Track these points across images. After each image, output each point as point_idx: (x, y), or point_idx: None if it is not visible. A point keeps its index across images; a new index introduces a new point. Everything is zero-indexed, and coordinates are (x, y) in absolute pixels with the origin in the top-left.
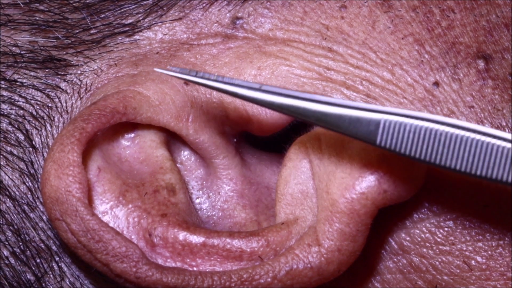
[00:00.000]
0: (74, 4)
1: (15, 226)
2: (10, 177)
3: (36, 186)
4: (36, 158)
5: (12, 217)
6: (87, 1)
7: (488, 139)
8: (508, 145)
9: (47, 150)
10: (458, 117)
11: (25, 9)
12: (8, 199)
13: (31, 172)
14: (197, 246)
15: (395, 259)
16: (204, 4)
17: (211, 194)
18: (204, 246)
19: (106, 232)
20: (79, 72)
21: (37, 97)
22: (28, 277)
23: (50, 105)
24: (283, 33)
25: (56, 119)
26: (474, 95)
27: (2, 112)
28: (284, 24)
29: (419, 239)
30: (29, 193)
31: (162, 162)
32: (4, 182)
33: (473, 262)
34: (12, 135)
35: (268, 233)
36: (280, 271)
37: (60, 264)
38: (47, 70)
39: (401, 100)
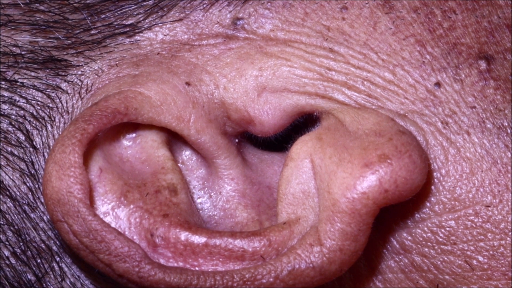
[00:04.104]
0: (74, 5)
1: (16, 227)
2: (11, 177)
3: (36, 186)
4: (37, 159)
5: (13, 218)
6: (88, 2)
7: None
8: None
9: (47, 150)
10: (460, 117)
11: (25, 9)
12: (8, 199)
13: (32, 172)
14: (199, 246)
15: (397, 259)
16: (204, 5)
17: (212, 194)
18: (206, 246)
19: (108, 233)
20: (79, 72)
21: (37, 98)
22: (29, 277)
23: (50, 105)
24: (284, 34)
25: (57, 120)
26: (476, 96)
27: (2, 113)
28: (285, 25)
29: (421, 239)
30: (30, 193)
31: (163, 162)
32: (4, 183)
33: (474, 261)
34: (13, 135)
35: (270, 232)
36: (282, 271)
37: (60, 265)
38: (47, 71)
39: (403, 100)
